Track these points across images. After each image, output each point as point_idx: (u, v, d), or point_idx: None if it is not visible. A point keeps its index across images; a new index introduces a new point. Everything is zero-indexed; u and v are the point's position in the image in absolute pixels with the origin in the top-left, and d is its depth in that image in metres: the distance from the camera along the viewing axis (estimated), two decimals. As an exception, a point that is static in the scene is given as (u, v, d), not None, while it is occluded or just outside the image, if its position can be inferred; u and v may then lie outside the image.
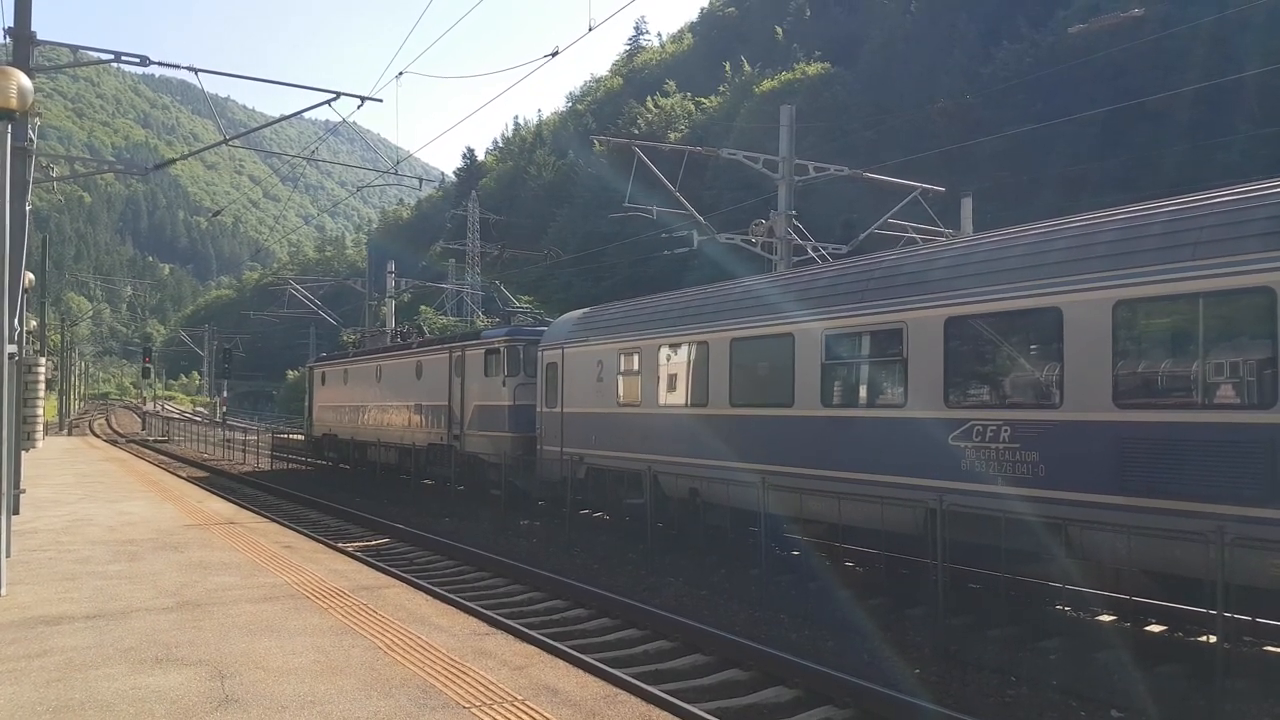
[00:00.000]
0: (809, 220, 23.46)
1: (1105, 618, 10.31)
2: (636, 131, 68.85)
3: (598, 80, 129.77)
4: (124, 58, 16.19)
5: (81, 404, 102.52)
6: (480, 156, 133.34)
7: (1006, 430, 9.76)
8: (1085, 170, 36.12)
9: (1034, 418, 9.59)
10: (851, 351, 12.11)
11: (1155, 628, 9.95)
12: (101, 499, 17.36)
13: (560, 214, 76.50)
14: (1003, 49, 49.45)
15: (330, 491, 25.51)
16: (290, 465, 35.04)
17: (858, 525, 11.61)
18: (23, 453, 13.85)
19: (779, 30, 78.86)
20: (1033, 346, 10.12)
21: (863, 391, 12.01)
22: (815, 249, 22.91)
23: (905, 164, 26.14)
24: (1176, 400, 8.48)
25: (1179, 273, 8.40)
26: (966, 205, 24.14)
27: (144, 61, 16.38)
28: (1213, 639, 8.70)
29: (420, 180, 33.33)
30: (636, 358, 16.46)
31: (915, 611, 10.68)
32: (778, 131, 22.48)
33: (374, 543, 16.96)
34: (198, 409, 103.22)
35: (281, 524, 15.49)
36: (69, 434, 56.72)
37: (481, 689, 5.94)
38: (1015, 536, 9.51)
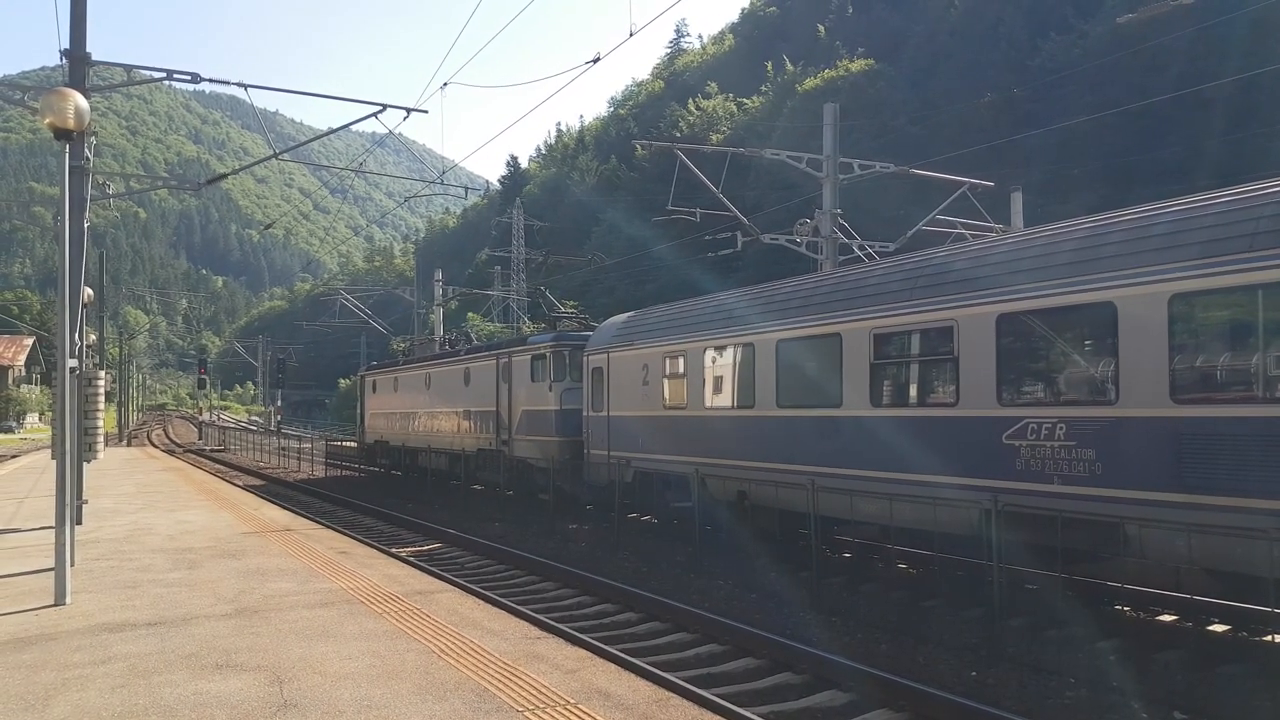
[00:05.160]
0: (854, 218, 23.24)
1: (1166, 617, 10.11)
2: (678, 134, 68.89)
3: (639, 84, 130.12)
4: (175, 75, 16.50)
5: (140, 415, 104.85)
6: (524, 164, 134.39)
7: (1062, 428, 9.60)
8: (1136, 162, 35.38)
9: (1090, 414, 9.42)
10: (901, 350, 11.99)
11: (1218, 627, 9.73)
12: (161, 508, 17.72)
13: (604, 218, 76.72)
14: (1050, 41, 48.69)
15: (383, 497, 25.83)
16: (344, 472, 35.55)
17: (910, 526, 11.48)
18: (84, 464, 14.20)
19: (821, 28, 78.40)
20: (1087, 342, 9.95)
21: (913, 391, 11.87)
22: (861, 247, 22.71)
23: (952, 159, 25.80)
24: (1236, 395, 8.28)
25: (1237, 264, 8.20)
26: (1016, 200, 23.78)
27: (195, 79, 16.71)
28: (1279, 638, 8.49)
29: (466, 189, 33.68)
30: (682, 360, 16.44)
31: (971, 613, 10.54)
32: (821, 130, 22.32)
33: (426, 548, 17.12)
34: (253, 418, 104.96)
35: (336, 530, 15.69)
36: (128, 445, 57.97)
37: (534, 693, 5.97)
38: (1072, 536, 9.35)
